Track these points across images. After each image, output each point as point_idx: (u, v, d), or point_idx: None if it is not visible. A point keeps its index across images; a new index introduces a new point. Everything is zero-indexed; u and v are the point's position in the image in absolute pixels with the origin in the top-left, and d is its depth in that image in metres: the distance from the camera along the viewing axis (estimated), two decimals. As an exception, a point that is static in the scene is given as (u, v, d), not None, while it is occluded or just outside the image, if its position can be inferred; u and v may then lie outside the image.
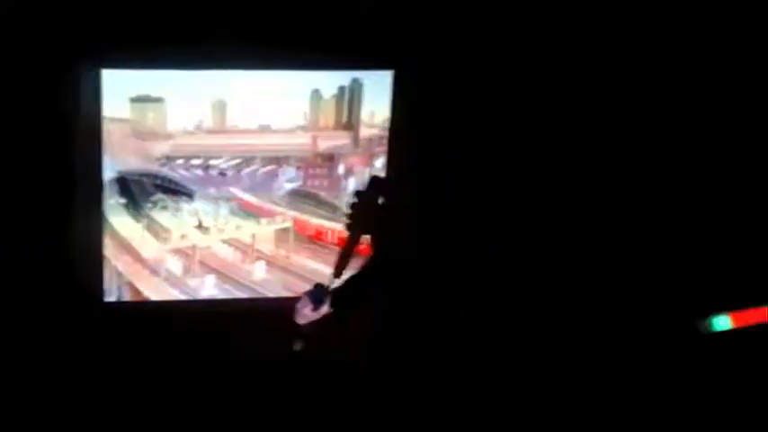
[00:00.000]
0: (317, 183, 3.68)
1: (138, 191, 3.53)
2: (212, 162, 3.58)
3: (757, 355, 3.02)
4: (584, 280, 2.79)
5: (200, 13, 3.33)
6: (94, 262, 3.50)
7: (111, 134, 3.43)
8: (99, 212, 3.48)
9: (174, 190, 3.56)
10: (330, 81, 3.58)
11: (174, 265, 3.62)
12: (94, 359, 3.50)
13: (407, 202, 2.61)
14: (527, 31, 3.14)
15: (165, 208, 3.57)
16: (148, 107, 3.46)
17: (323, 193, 3.68)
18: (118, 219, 3.52)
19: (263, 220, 3.67)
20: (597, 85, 3.23)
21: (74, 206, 3.42)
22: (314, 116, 3.60)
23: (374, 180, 2.75)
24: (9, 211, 3.34)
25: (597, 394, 2.97)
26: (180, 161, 3.54)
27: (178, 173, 3.55)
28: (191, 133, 3.52)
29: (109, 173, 3.47)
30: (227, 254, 3.67)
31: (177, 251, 3.62)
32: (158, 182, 3.54)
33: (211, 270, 3.66)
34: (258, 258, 3.70)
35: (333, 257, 3.54)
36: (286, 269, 3.71)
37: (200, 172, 3.57)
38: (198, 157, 3.56)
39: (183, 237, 3.61)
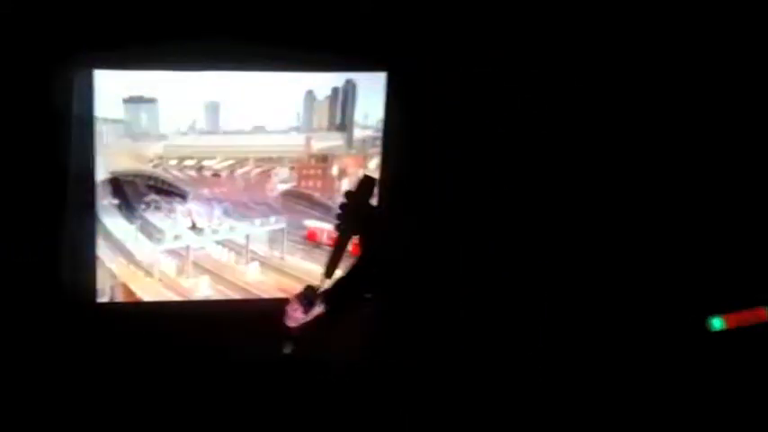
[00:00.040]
0: (310, 184, 3.68)
1: (131, 192, 3.52)
2: (206, 163, 3.57)
3: (757, 355, 3.04)
4: (585, 280, 2.81)
5: (194, 14, 3.32)
6: (88, 263, 3.49)
7: (104, 135, 3.42)
8: (92, 213, 3.46)
9: (168, 191, 3.55)
10: (324, 82, 3.59)
11: (168, 266, 3.61)
12: (87, 360, 3.47)
13: (402, 201, 2.61)
14: (522, 30, 3.15)
15: (158, 209, 3.56)
16: (141, 108, 3.45)
17: (317, 195, 3.68)
18: (111, 219, 3.50)
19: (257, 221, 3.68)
20: (597, 85, 3.25)
21: (67, 207, 3.40)
22: (307, 117, 3.60)
23: (364, 179, 2.75)
24: (2, 211, 3.32)
25: (598, 394, 2.98)
26: (173, 162, 3.53)
27: (171, 174, 3.55)
28: (184, 134, 3.51)
29: (102, 174, 3.46)
30: (221, 255, 3.67)
31: (171, 252, 3.61)
32: (152, 183, 3.53)
33: (205, 271, 3.66)
34: (252, 259, 3.69)
35: (325, 259, 3.58)
36: (280, 270, 3.71)
37: (193, 173, 3.57)
38: (191, 158, 3.55)
39: (176, 238, 3.60)
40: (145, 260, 3.58)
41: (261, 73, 3.51)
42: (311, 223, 3.68)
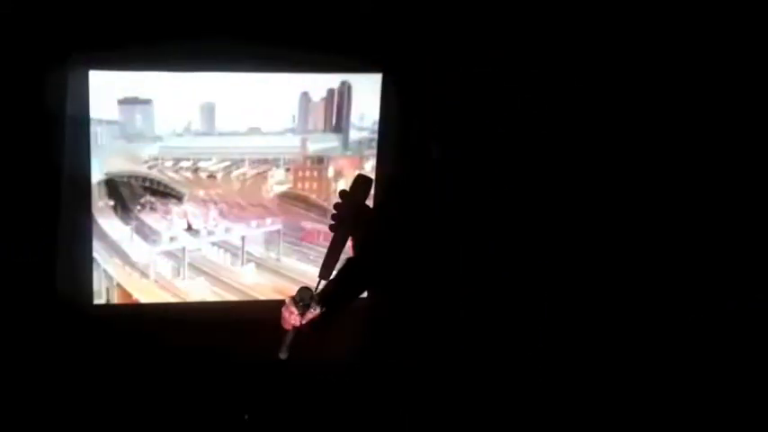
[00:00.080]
0: (306, 185, 3.68)
1: (126, 193, 3.51)
2: (201, 164, 3.57)
3: (755, 355, 3.05)
4: (584, 280, 2.81)
5: (189, 15, 3.32)
6: (84, 264, 3.48)
7: (100, 136, 3.41)
8: (88, 215, 3.46)
9: (163, 192, 3.55)
10: (319, 83, 3.59)
11: (164, 268, 3.61)
12: (84, 362, 3.47)
13: (398, 202, 2.60)
14: (522, 30, 3.16)
15: (154, 210, 3.55)
16: (137, 109, 3.45)
17: (312, 196, 3.69)
18: (107, 221, 3.50)
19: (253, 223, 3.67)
20: (597, 85, 3.26)
21: (62, 208, 3.40)
22: (303, 119, 3.60)
23: (359, 179, 2.74)
24: (-2, 213, 3.32)
25: (598, 394, 3.00)
26: (169, 163, 3.53)
27: (167, 175, 3.54)
28: (179, 135, 3.51)
29: (97, 175, 3.45)
30: (217, 256, 3.66)
31: (167, 254, 3.60)
32: (147, 184, 3.53)
33: (201, 273, 3.65)
34: (248, 261, 3.69)
35: (321, 260, 3.58)
36: (276, 272, 3.71)
37: (189, 174, 3.56)
38: (187, 160, 3.55)
39: (172, 239, 3.60)
40: (141, 262, 3.58)
41: (256, 74, 3.51)
42: (308, 225, 3.68)
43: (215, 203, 3.62)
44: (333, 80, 3.59)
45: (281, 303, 3.59)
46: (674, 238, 3.33)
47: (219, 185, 3.60)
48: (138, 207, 3.54)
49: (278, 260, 3.71)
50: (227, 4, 3.35)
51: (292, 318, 2.59)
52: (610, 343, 3.12)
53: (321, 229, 3.67)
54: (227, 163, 3.60)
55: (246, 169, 3.62)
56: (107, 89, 3.38)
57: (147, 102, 3.44)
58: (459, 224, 2.45)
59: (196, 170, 3.57)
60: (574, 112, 3.20)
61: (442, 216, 2.45)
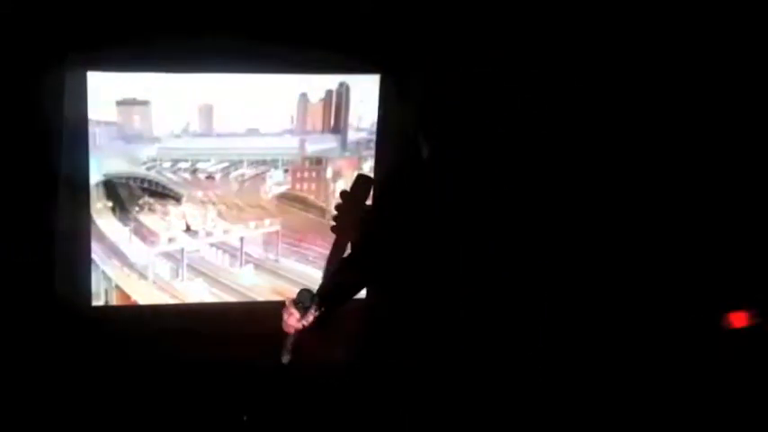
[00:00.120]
0: (305, 186, 3.68)
1: (125, 194, 3.51)
2: (200, 165, 3.57)
3: (753, 356, 3.06)
4: (585, 280, 2.83)
5: (187, 16, 3.32)
6: (82, 266, 3.47)
7: (98, 137, 3.41)
8: (86, 216, 3.45)
9: (162, 193, 3.54)
10: (317, 84, 3.59)
11: (163, 269, 3.60)
12: (82, 363, 3.46)
13: (397, 202, 2.60)
14: (519, 30, 3.16)
15: (152, 211, 3.55)
16: (135, 110, 3.44)
17: (311, 197, 3.68)
18: (105, 222, 3.49)
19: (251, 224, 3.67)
20: (597, 85, 3.26)
21: (61, 209, 3.39)
22: (301, 119, 3.60)
23: (359, 179, 2.74)
24: (-4, 214, 3.31)
25: (598, 394, 3.00)
26: (167, 164, 3.52)
27: (165, 176, 3.54)
28: (177, 136, 3.50)
29: (96, 176, 3.44)
30: (216, 257, 3.66)
31: (165, 255, 3.60)
32: (145, 185, 3.52)
33: (199, 274, 3.65)
34: (246, 262, 3.69)
35: (321, 262, 3.58)
36: (275, 273, 3.70)
37: (187, 175, 3.56)
38: (185, 161, 3.54)
39: (170, 240, 3.59)
40: (139, 263, 3.57)
41: (254, 75, 3.51)
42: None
43: (213, 204, 3.61)
44: (331, 81, 3.59)
45: (279, 304, 3.58)
46: (674, 238, 3.33)
47: (218, 186, 3.60)
48: (137, 208, 3.53)
49: (276, 261, 3.70)
50: (226, 6, 3.35)
51: (293, 321, 2.58)
52: (609, 343, 3.12)
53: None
54: (226, 164, 3.59)
55: (245, 170, 3.61)
56: (105, 90, 3.37)
57: (145, 103, 3.43)
58: (459, 224, 2.46)
59: (194, 171, 3.56)
60: (574, 112, 3.20)
61: (442, 216, 2.46)
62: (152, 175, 3.52)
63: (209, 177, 3.58)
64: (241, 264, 3.69)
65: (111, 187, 3.48)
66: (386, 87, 3.58)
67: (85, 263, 3.48)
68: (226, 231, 3.65)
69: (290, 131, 3.60)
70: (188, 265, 3.63)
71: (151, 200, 3.54)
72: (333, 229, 2.74)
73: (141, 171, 3.50)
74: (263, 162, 3.62)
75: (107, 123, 3.41)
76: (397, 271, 2.58)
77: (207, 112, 3.51)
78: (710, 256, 3.28)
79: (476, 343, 2.50)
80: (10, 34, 3.20)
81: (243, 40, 3.33)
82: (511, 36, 2.91)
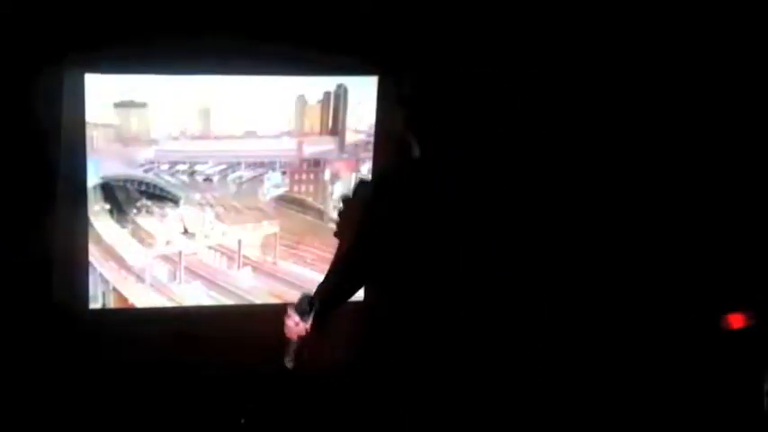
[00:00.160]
0: (303, 188, 3.67)
1: (122, 196, 3.49)
2: (197, 168, 3.56)
3: (755, 355, 3.05)
4: (585, 280, 2.82)
5: (185, 18, 3.31)
6: (79, 268, 3.46)
7: (95, 139, 3.40)
8: (84, 218, 3.43)
9: (159, 196, 3.53)
10: (315, 86, 3.58)
11: (160, 272, 3.59)
12: (80, 366, 3.45)
13: (393, 202, 2.59)
14: (519, 30, 3.16)
15: (150, 214, 3.54)
16: (132, 112, 3.43)
17: (309, 199, 3.68)
18: (103, 225, 3.48)
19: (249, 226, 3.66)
20: (597, 85, 3.25)
21: (58, 212, 3.38)
22: (299, 121, 3.59)
23: (361, 184, 2.73)
24: (-7, 217, 3.30)
25: (598, 394, 2.99)
26: (165, 167, 3.52)
27: (163, 178, 3.53)
28: (175, 139, 3.49)
29: (93, 178, 3.43)
30: (214, 260, 3.65)
31: (163, 257, 3.59)
32: (143, 187, 3.51)
33: (197, 276, 3.64)
34: (244, 264, 3.68)
35: (319, 264, 3.57)
36: (273, 275, 3.69)
37: (185, 177, 3.55)
38: (183, 163, 3.54)
39: (168, 243, 3.58)
40: (136, 266, 3.56)
41: (252, 77, 3.50)
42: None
43: (211, 207, 3.60)
44: (329, 83, 3.58)
45: (277, 307, 3.59)
46: (674, 238, 3.33)
47: (216, 189, 3.59)
48: (134, 211, 3.52)
49: (274, 264, 3.70)
50: (223, 8, 3.35)
51: (295, 327, 2.58)
52: (609, 343, 3.12)
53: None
54: (224, 166, 3.59)
55: (243, 172, 3.61)
56: (103, 92, 3.35)
57: (142, 105, 3.42)
58: (459, 224, 2.45)
59: (192, 173, 3.55)
60: (574, 112, 3.20)
61: (441, 216, 2.45)
62: (150, 177, 3.51)
63: (207, 180, 3.58)
64: (239, 266, 3.68)
65: (109, 190, 3.47)
66: (384, 89, 3.57)
67: (83, 266, 3.47)
68: (223, 234, 3.64)
69: (288, 133, 3.59)
70: (186, 268, 3.62)
71: (149, 202, 3.53)
72: (336, 234, 2.73)
73: (139, 173, 3.49)
74: (261, 164, 3.62)
75: (105, 125, 3.40)
76: (397, 271, 2.57)
77: (204, 114, 3.50)
78: (710, 257, 3.28)
79: (476, 343, 2.50)
80: (7, 36, 3.20)
81: (241, 42, 3.32)
82: (510, 36, 2.91)
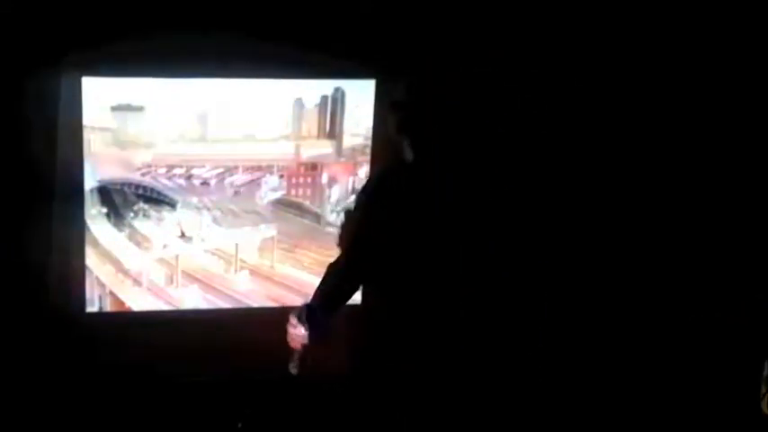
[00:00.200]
0: (300, 192, 3.67)
1: (119, 200, 3.49)
2: (195, 171, 3.55)
3: (755, 355, 3.05)
4: (584, 280, 2.82)
5: (182, 22, 3.31)
6: (76, 272, 3.45)
7: (93, 143, 3.39)
8: (80, 222, 3.43)
9: (157, 199, 3.53)
10: (313, 90, 3.58)
11: (157, 275, 3.58)
12: (76, 370, 3.44)
13: (385, 206, 2.60)
14: (519, 30, 3.16)
15: (147, 217, 3.53)
16: (129, 116, 3.43)
17: (306, 202, 3.67)
18: (99, 228, 3.47)
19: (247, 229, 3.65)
20: (597, 84, 3.26)
21: (55, 215, 3.37)
22: (297, 125, 3.59)
23: (360, 192, 2.73)
24: (-11, 220, 3.29)
25: (597, 394, 2.99)
26: (162, 170, 3.51)
27: (160, 182, 3.52)
28: (173, 142, 3.49)
29: (90, 182, 3.42)
30: (211, 264, 3.64)
31: (160, 261, 3.58)
32: (140, 191, 3.50)
33: (194, 280, 3.62)
34: (242, 268, 3.67)
35: (316, 267, 3.56)
36: (270, 279, 3.69)
37: (182, 181, 3.54)
38: (180, 167, 3.53)
39: (165, 246, 3.57)
40: (133, 269, 3.55)
41: (250, 80, 3.50)
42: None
43: (208, 210, 3.60)
44: (326, 86, 3.58)
45: (275, 311, 3.60)
46: (674, 238, 3.34)
47: (213, 192, 3.58)
48: (131, 214, 3.51)
49: (272, 267, 3.69)
50: (221, 11, 3.35)
51: (298, 335, 2.59)
52: (609, 343, 3.11)
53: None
54: (221, 170, 3.58)
55: (240, 176, 3.60)
56: (100, 95, 3.35)
57: (140, 108, 3.42)
58: (458, 224, 2.46)
59: (189, 177, 3.55)
60: (574, 112, 3.20)
61: (441, 216, 2.45)
62: (147, 180, 3.50)
63: (204, 183, 3.57)
64: (236, 270, 3.67)
65: (106, 193, 3.46)
66: (382, 92, 3.57)
67: (79, 269, 3.46)
68: (221, 237, 3.63)
69: (286, 137, 3.59)
70: (182, 272, 3.61)
71: (146, 206, 3.52)
72: (338, 244, 2.75)
73: (136, 177, 3.48)
74: (259, 168, 3.61)
75: (102, 129, 3.39)
76: (394, 272, 2.57)
77: (202, 117, 3.49)
78: (710, 257, 3.28)
79: (476, 343, 2.50)
80: (5, 39, 3.19)
81: (238, 46, 3.33)
82: (509, 37, 2.92)
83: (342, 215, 3.56)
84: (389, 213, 2.57)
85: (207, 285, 3.64)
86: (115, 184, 3.47)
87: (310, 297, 2.72)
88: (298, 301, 3.59)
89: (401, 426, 2.57)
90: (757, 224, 3.27)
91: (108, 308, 3.54)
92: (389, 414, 2.58)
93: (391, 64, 3.43)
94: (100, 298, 3.53)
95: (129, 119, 3.42)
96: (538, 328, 2.54)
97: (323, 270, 2.81)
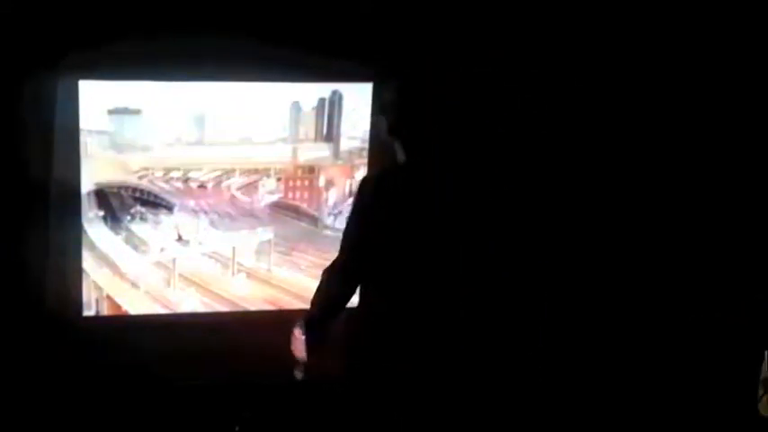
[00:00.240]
0: (297, 195, 3.67)
1: (116, 203, 3.47)
2: (192, 174, 3.55)
3: (754, 355, 3.05)
4: (584, 281, 2.82)
5: (179, 25, 3.32)
6: (73, 275, 3.44)
7: (89, 146, 3.38)
8: (77, 225, 3.41)
9: (154, 202, 3.52)
10: (310, 93, 3.58)
11: (154, 279, 3.57)
12: (73, 374, 3.43)
13: (377, 207, 2.60)
14: (519, 30, 3.16)
15: (144, 220, 3.52)
16: (126, 119, 3.42)
17: (304, 205, 3.67)
18: (96, 231, 3.46)
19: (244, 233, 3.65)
20: (597, 84, 3.26)
21: (52, 218, 3.37)
22: (294, 128, 3.59)
23: None
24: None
25: (597, 394, 2.98)
26: (159, 173, 3.50)
27: (157, 185, 3.51)
28: (169, 145, 3.48)
29: (87, 185, 3.41)
30: (208, 267, 3.63)
31: (157, 264, 3.56)
32: (137, 194, 3.49)
33: (191, 283, 3.61)
34: (239, 271, 3.66)
35: (313, 270, 3.56)
36: (267, 282, 3.68)
37: (179, 184, 3.54)
38: (177, 170, 3.52)
39: (162, 250, 3.56)
40: (130, 272, 3.53)
41: (247, 84, 3.50)
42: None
43: (205, 214, 3.59)
44: (324, 89, 3.58)
45: (272, 314, 3.59)
46: (674, 238, 3.34)
47: (210, 195, 3.58)
48: (128, 217, 3.50)
49: (269, 270, 3.68)
50: (219, 14, 3.35)
51: (302, 342, 2.60)
52: (609, 343, 3.11)
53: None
54: (218, 173, 3.58)
55: (237, 179, 3.60)
56: (97, 99, 3.34)
57: (136, 112, 3.41)
58: (458, 225, 2.46)
59: (186, 180, 3.54)
60: (574, 112, 3.21)
61: (441, 216, 2.46)
62: (144, 184, 3.49)
63: (202, 186, 3.57)
64: (233, 273, 3.66)
65: (103, 196, 3.45)
66: (379, 95, 3.57)
67: (76, 272, 3.45)
68: (218, 240, 3.63)
69: (283, 140, 3.59)
70: (180, 275, 3.60)
71: (143, 209, 3.51)
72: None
73: (133, 180, 3.48)
74: (256, 171, 3.61)
75: (99, 132, 3.39)
76: (395, 272, 2.58)
77: (199, 120, 3.49)
78: (709, 257, 3.28)
79: (475, 343, 2.50)
80: (1, 42, 3.19)
81: (235, 49, 3.33)
82: (509, 37, 2.92)
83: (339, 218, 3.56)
84: (387, 214, 2.58)
85: (204, 289, 3.63)
86: (112, 187, 3.46)
87: (308, 299, 2.72)
88: (295, 304, 3.62)
89: (399, 427, 2.57)
90: (757, 224, 3.28)
91: (105, 311, 3.52)
92: (388, 415, 2.58)
93: (388, 67, 3.44)
94: (97, 301, 3.51)
95: (125, 122, 3.41)
96: (538, 328, 2.54)
97: (320, 273, 2.82)
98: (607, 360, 3.10)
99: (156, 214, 3.53)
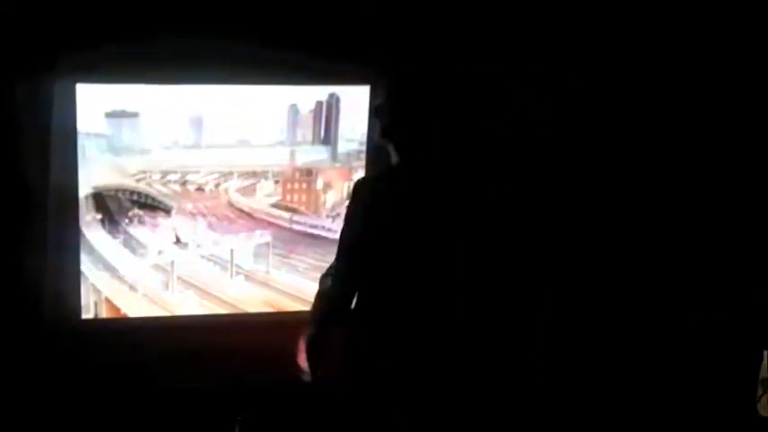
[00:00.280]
0: (295, 197, 3.67)
1: (114, 206, 3.47)
2: (189, 177, 3.55)
3: (754, 355, 3.06)
4: (584, 280, 2.82)
5: (177, 28, 3.32)
6: (71, 278, 3.43)
7: (87, 149, 3.38)
8: (75, 228, 3.41)
9: (152, 205, 3.52)
10: (307, 96, 3.59)
11: (153, 281, 3.57)
12: (72, 377, 3.42)
13: (371, 209, 2.60)
14: (519, 30, 3.17)
15: (142, 223, 3.52)
16: (124, 122, 3.42)
17: (302, 208, 3.67)
18: (94, 234, 3.46)
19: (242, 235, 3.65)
20: (597, 84, 3.26)
21: (49, 222, 3.36)
22: (292, 131, 3.59)
23: None
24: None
25: (597, 394, 2.98)
26: (157, 176, 3.50)
27: (155, 188, 3.51)
28: (167, 148, 3.48)
29: (84, 188, 3.41)
30: (206, 269, 3.63)
31: (155, 267, 3.56)
32: (135, 197, 3.49)
33: (190, 286, 3.61)
34: (237, 274, 3.66)
35: (311, 272, 3.56)
36: (265, 284, 3.68)
37: (177, 187, 3.54)
38: (175, 173, 3.52)
39: (160, 252, 3.56)
40: (129, 275, 3.53)
41: (244, 86, 3.51)
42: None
43: (203, 216, 3.59)
44: (321, 92, 3.59)
45: (270, 316, 3.59)
46: (674, 238, 3.35)
47: (208, 198, 3.58)
48: (126, 220, 3.50)
49: (267, 273, 3.68)
50: (216, 18, 3.35)
51: (308, 349, 2.61)
52: (608, 342, 3.11)
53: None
54: (216, 176, 3.58)
55: (235, 182, 3.60)
56: (94, 102, 3.34)
57: (134, 115, 3.41)
58: (458, 225, 2.46)
59: (184, 183, 3.54)
60: (573, 112, 3.21)
61: (441, 216, 2.46)
62: (141, 187, 3.49)
63: (199, 189, 3.57)
64: (232, 275, 3.66)
65: (101, 199, 3.45)
66: (376, 98, 3.58)
67: (75, 275, 3.44)
68: (216, 243, 3.63)
69: (281, 143, 3.59)
70: (178, 278, 3.60)
71: (141, 212, 3.51)
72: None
73: (131, 183, 3.47)
74: (254, 173, 3.61)
75: (96, 135, 3.38)
76: (395, 273, 2.58)
77: (197, 123, 3.49)
78: (709, 257, 3.29)
79: (475, 343, 2.50)
80: (-2, 46, 3.19)
81: (233, 52, 3.33)
82: (508, 37, 2.92)
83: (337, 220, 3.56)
84: (383, 216, 2.58)
85: (203, 291, 3.63)
86: (110, 190, 3.46)
87: (307, 301, 2.72)
88: (294, 306, 3.63)
89: (399, 427, 2.57)
90: (757, 224, 3.28)
91: (104, 314, 3.52)
92: (388, 415, 2.58)
93: (386, 69, 3.45)
94: (95, 304, 3.50)
95: (123, 125, 3.41)
96: (538, 328, 2.54)
97: (318, 275, 2.82)
98: (607, 360, 3.10)
99: (153, 217, 3.53)
